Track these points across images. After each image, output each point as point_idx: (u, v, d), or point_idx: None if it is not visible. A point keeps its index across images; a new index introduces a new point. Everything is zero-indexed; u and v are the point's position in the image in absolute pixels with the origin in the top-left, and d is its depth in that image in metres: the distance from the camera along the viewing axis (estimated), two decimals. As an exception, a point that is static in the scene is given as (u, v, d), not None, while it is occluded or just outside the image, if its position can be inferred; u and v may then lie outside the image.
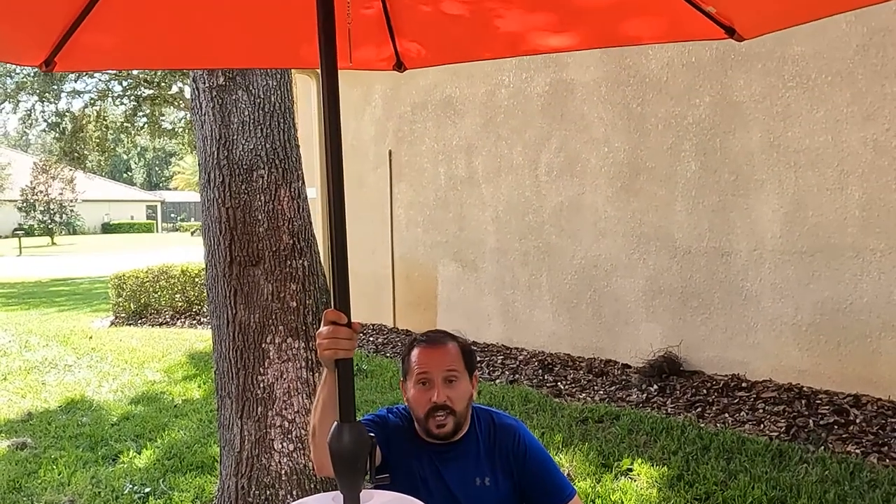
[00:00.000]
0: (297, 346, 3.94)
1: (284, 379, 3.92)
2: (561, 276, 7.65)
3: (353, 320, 1.86)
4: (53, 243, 45.16)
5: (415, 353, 2.23)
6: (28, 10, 2.27)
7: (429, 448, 2.21)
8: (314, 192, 9.94)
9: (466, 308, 8.51)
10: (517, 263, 8.06)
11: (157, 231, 60.81)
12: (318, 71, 1.91)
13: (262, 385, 3.93)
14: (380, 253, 9.52)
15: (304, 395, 3.93)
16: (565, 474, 2.28)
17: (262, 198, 3.97)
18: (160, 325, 11.57)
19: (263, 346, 3.94)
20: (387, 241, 9.47)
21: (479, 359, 7.78)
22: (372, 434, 1.87)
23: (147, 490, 4.91)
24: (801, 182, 5.90)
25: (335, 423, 1.84)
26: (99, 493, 4.92)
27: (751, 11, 2.43)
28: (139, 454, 5.66)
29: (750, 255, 6.21)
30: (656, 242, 6.84)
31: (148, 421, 6.44)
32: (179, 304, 12.09)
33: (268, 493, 3.92)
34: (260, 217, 3.96)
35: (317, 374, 4.02)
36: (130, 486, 4.98)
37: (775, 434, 5.18)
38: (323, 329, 1.86)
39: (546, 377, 7.02)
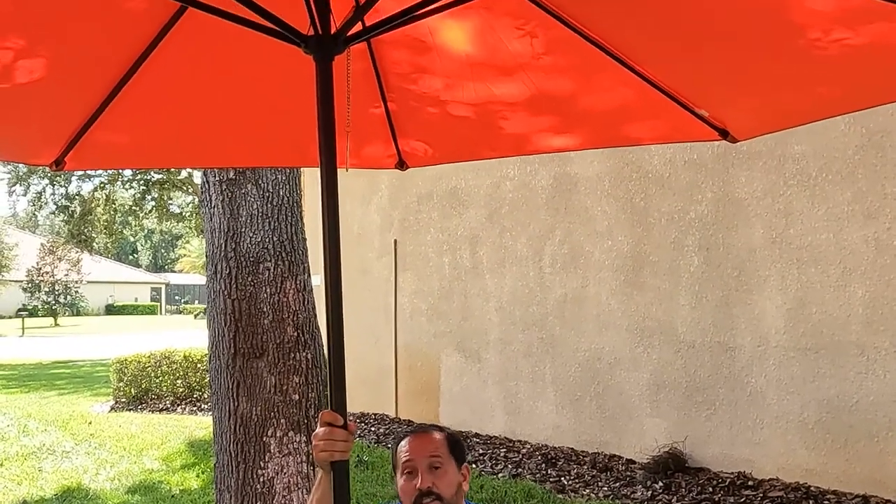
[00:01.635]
0: (298, 439, 3.92)
1: (285, 473, 3.88)
2: (564, 369, 7.62)
3: (349, 421, 1.87)
4: (56, 324, 45.12)
5: (402, 444, 2.24)
6: (40, 111, 2.34)
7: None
8: (318, 280, 9.99)
9: (469, 399, 8.44)
10: (520, 354, 8.04)
11: (161, 313, 60.78)
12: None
13: (261, 479, 3.89)
14: (383, 341, 9.51)
15: (304, 491, 3.89)
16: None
17: (268, 290, 4.01)
18: (161, 410, 11.48)
19: (265, 439, 3.92)
20: (390, 330, 9.46)
21: (481, 451, 7.68)
22: None
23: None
24: (803, 279, 5.92)
25: None
26: (91, 588, 4.81)
27: (743, 115, 2.51)
28: (134, 547, 5.56)
29: (754, 351, 6.19)
30: (660, 336, 6.83)
31: (145, 512, 6.35)
32: (181, 389, 12.01)
33: (265, 591, 3.84)
34: (265, 309, 3.99)
35: (317, 469, 3.98)
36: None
37: (783, 536, 5.07)
38: (319, 430, 1.88)
39: (549, 472, 6.91)
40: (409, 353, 9.30)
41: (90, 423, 10.28)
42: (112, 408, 11.99)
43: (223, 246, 4.05)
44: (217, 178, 4.13)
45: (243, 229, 4.05)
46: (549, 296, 7.78)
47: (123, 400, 12.12)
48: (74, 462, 8.19)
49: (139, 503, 6.64)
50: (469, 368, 8.58)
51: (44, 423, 10.42)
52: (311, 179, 9.73)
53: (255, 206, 4.09)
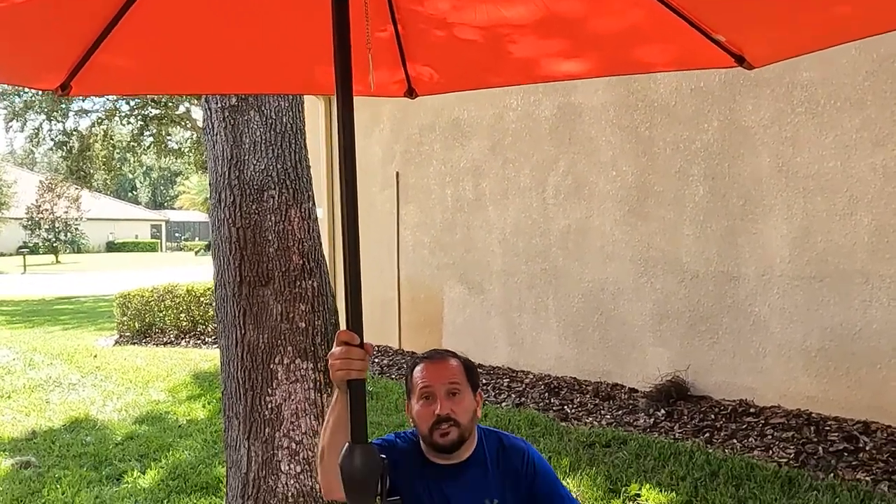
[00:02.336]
0: (305, 367, 3.92)
1: (292, 400, 3.90)
2: (568, 300, 7.63)
3: (364, 341, 1.86)
4: (58, 261, 45.23)
5: (417, 369, 2.23)
6: (45, 34, 2.27)
7: (436, 471, 2.20)
8: (321, 213, 9.96)
9: (472, 330, 8.48)
10: (524, 286, 8.05)
11: (162, 250, 60.89)
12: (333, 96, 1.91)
13: (269, 406, 3.91)
14: (386, 275, 9.52)
15: (312, 417, 3.91)
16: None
17: (273, 218, 3.97)
18: (165, 344, 11.55)
19: (272, 366, 3.93)
20: (393, 263, 9.46)
21: (484, 381, 7.74)
22: (384, 456, 1.86)
23: (152, 510, 4.89)
24: (809, 207, 5.89)
25: (346, 444, 1.83)
26: (103, 513, 4.89)
27: (760, 41, 2.43)
28: (143, 474, 5.63)
29: (758, 280, 6.19)
30: (664, 266, 6.83)
31: (152, 441, 6.41)
32: (184, 323, 12.07)
33: (274, 514, 3.89)
34: (270, 237, 3.96)
35: (325, 396, 4.00)
36: (137, 507, 4.96)
37: (784, 461, 5.13)
38: (335, 350, 1.86)
39: (552, 401, 6.98)
40: (412, 285, 9.32)
41: (95, 356, 10.35)
42: (116, 342, 12.08)
43: (226, 174, 4.00)
44: (219, 105, 4.06)
45: (246, 157, 4.00)
46: (552, 227, 7.76)
47: (128, 334, 12.20)
48: (81, 394, 8.27)
49: (147, 433, 6.71)
50: (472, 300, 8.61)
51: (49, 357, 10.50)
52: (310, 111, 9.62)
53: (258, 134, 4.03)
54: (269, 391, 3.92)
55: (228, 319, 4.01)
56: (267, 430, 3.91)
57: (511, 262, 8.18)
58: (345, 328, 1.89)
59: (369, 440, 2.28)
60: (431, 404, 2.16)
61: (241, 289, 3.94)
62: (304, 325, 3.96)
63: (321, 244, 4.19)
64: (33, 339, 12.51)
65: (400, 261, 9.43)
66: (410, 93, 2.87)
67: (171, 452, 6.08)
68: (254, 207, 3.96)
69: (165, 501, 5.04)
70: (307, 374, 3.92)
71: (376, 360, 9.14)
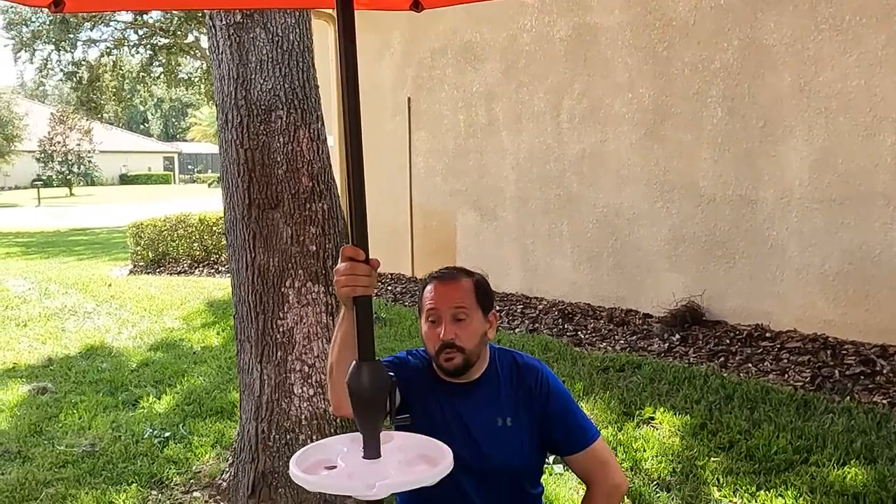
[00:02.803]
0: (316, 290, 3.88)
1: (304, 323, 3.86)
2: (582, 225, 7.55)
3: (371, 257, 1.79)
4: (72, 194, 45.35)
5: (427, 289, 2.16)
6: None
7: (448, 388, 2.15)
8: (332, 141, 9.84)
9: (485, 257, 8.43)
10: (537, 212, 7.96)
11: (175, 182, 60.90)
12: (335, 13, 1.81)
13: (281, 329, 3.88)
14: (398, 201, 9.44)
15: (324, 340, 3.88)
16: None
17: (281, 139, 3.88)
18: (178, 273, 11.58)
19: (283, 290, 3.88)
20: (405, 190, 9.38)
21: (498, 308, 7.69)
22: (392, 374, 1.81)
23: (167, 434, 4.91)
24: (831, 128, 5.74)
25: (354, 361, 1.78)
26: (119, 437, 4.92)
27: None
28: (159, 399, 5.66)
29: (777, 203, 6.08)
30: (680, 190, 6.71)
31: (167, 367, 6.45)
32: (197, 252, 12.09)
33: (288, 437, 3.89)
34: (279, 159, 3.87)
35: (336, 319, 3.97)
36: (150, 430, 4.98)
37: (800, 384, 5.10)
38: (340, 265, 1.79)
39: (566, 326, 6.96)
40: (425, 212, 9.24)
41: (110, 285, 10.40)
42: (131, 271, 12.12)
43: (233, 94, 3.90)
44: (223, 22, 3.93)
45: (253, 76, 3.88)
46: (567, 151, 7.63)
47: (141, 264, 12.23)
48: (96, 322, 8.31)
49: (162, 360, 6.74)
50: (485, 227, 8.53)
51: (64, 286, 10.56)
52: (318, 36, 9.42)
53: (264, 52, 3.90)
54: (281, 315, 3.88)
55: (238, 243, 3.95)
56: (279, 353, 3.89)
57: (525, 188, 8.08)
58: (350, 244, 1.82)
59: (379, 358, 2.24)
60: (437, 327, 2.09)
61: (251, 211, 3.87)
62: (314, 248, 3.90)
63: (331, 166, 4.10)
64: (48, 270, 12.58)
65: (412, 188, 9.34)
66: (416, 6, 2.74)
67: (185, 378, 6.11)
68: (261, 128, 3.86)
69: (181, 425, 5.07)
70: (318, 298, 3.88)
71: (389, 287, 9.13)
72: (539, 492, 2.24)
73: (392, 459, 1.78)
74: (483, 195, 8.52)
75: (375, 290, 1.82)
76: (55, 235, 20.43)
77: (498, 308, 7.69)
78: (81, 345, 7.36)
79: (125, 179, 58.28)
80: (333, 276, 1.81)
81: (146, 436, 4.90)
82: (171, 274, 11.51)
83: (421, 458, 1.86)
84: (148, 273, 11.77)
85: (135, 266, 12.31)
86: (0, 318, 8.62)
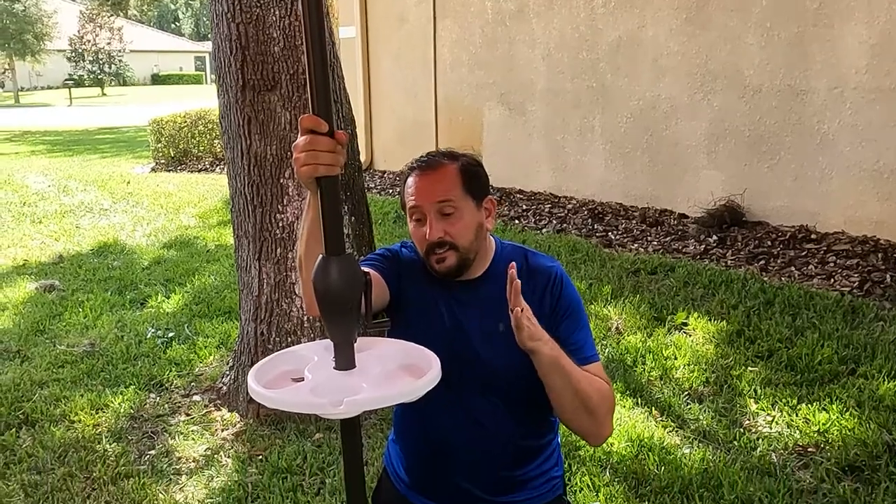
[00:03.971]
0: (318, 181, 3.53)
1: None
2: (616, 120, 7.08)
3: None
4: (104, 94, 45.12)
5: (408, 183, 1.80)
6: None
7: (446, 288, 1.82)
8: (353, 31, 9.34)
9: (513, 154, 8.01)
10: (568, 106, 7.49)
11: (206, 82, 60.31)
12: None
13: (280, 224, 3.57)
14: (422, 95, 8.98)
15: (327, 236, 3.56)
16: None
17: (277, 12, 3.48)
18: (200, 171, 11.32)
19: (282, 181, 3.55)
20: (430, 83, 8.90)
21: (524, 208, 7.36)
22: (367, 271, 1.47)
23: (171, 335, 4.69)
24: (894, 8, 5.17)
25: (320, 256, 1.44)
26: (122, 336, 4.71)
27: None
28: (167, 298, 5.44)
29: (829, 94, 5.57)
30: (723, 81, 6.20)
31: (179, 265, 6.22)
32: (218, 149, 11.79)
33: (289, 339, 3.62)
34: (275, 35, 3.49)
35: (343, 214, 3.64)
36: (154, 330, 4.76)
37: (847, 289, 4.72)
38: (299, 140, 1.41)
39: (596, 227, 6.59)
40: (450, 106, 8.79)
41: (129, 182, 10.17)
42: (153, 169, 11.88)
43: (223, -40, 3.49)
44: None
45: (245, -60, 3.46)
46: (601, 40, 7.10)
47: (163, 161, 11.98)
48: (112, 219, 8.10)
49: (174, 258, 6.51)
50: (513, 122, 8.08)
51: (83, 184, 10.35)
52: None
53: (257, -87, 3.47)
54: (280, 208, 3.56)
55: (232, 129, 3.61)
56: (279, 250, 3.59)
57: (555, 80, 7.58)
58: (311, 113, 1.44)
59: (376, 250, 1.90)
60: (423, 227, 1.75)
61: (245, 94, 3.51)
62: (315, 135, 3.53)
63: (333, 44, 3.70)
64: (70, 167, 12.38)
65: (437, 80, 8.86)
66: None
67: (196, 277, 5.88)
68: (255, 0, 3.46)
69: (186, 325, 4.85)
70: (320, 190, 3.53)
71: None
72: (547, 401, 1.93)
73: (368, 371, 1.46)
74: (512, 88, 8.04)
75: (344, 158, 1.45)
76: (83, 134, 20.23)
77: (524, 207, 7.37)
78: (94, 242, 7.15)
79: (157, 79, 57.79)
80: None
81: (149, 336, 4.68)
82: (191, 171, 11.24)
83: (404, 368, 1.55)
84: (169, 171, 11.51)
85: (156, 164, 12.06)
86: (16, 215, 8.44)
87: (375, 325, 1.60)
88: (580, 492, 2.93)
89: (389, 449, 2.00)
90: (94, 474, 3.21)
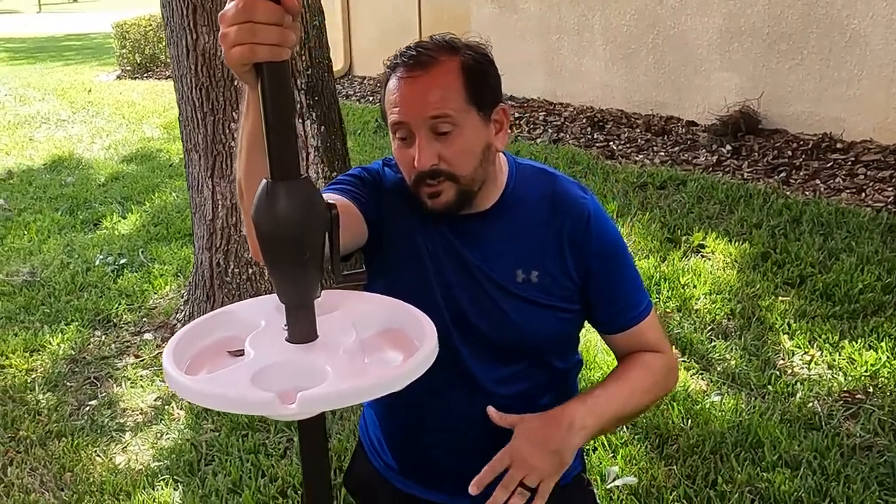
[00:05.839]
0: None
1: (265, 127, 2.98)
2: (617, 17, 6.44)
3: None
4: (75, 0, 43.41)
5: (391, 87, 1.26)
6: None
7: (445, 223, 1.30)
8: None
9: (504, 56, 7.28)
10: (565, 1, 6.84)
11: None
12: None
13: (237, 136, 3.00)
14: (405, -6, 8.28)
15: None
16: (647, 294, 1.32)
17: None
18: (167, 78, 10.57)
19: (237, 83, 2.97)
20: (413, -21, 8.19)
21: (517, 116, 6.77)
22: (333, 201, 0.95)
23: (123, 262, 4.17)
24: None
25: (263, 182, 0.91)
26: (69, 263, 4.19)
27: None
28: (123, 219, 4.92)
29: (860, -15, 4.97)
30: (740, -29, 5.57)
31: (138, 181, 5.68)
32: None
33: (249, 271, 3.11)
34: None
35: (310, 124, 3.08)
36: (102, 256, 4.23)
37: (881, 205, 4.23)
38: (227, 9, 0.85)
39: (596, 136, 6.04)
40: (435, 4, 8.08)
41: (90, 90, 9.49)
42: (118, 77, 11.13)
43: None
44: None
45: None
46: (602, -73, 6.41)
47: (129, 68, 11.23)
48: (69, 131, 7.48)
49: (134, 172, 5.95)
50: (504, 21, 7.41)
51: (42, 92, 9.66)
52: None
53: None
54: (235, 115, 3.00)
55: (175, 20, 3.01)
56: (235, 165, 3.03)
57: (551, -26, 6.90)
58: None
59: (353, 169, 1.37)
60: (410, 147, 1.23)
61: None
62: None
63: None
64: (31, 75, 11.64)
65: (421, -23, 8.14)
66: None
67: (156, 195, 5.35)
68: None
69: (141, 251, 4.32)
70: (282, 93, 2.96)
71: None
72: (572, 364, 1.44)
73: (336, 343, 0.98)
74: (502, -17, 7.35)
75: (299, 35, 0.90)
76: (48, 41, 19.22)
77: (517, 116, 6.78)
78: (48, 156, 6.57)
79: (130, -16, 55.74)
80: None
81: (97, 263, 4.15)
82: (159, 79, 10.50)
83: (386, 336, 1.07)
84: (135, 78, 10.77)
85: (122, 71, 11.30)
86: (-34, 127, 7.79)
87: (346, 277, 1.08)
88: (594, 452, 2.48)
89: (365, 416, 1.52)
90: (21, 433, 2.73)
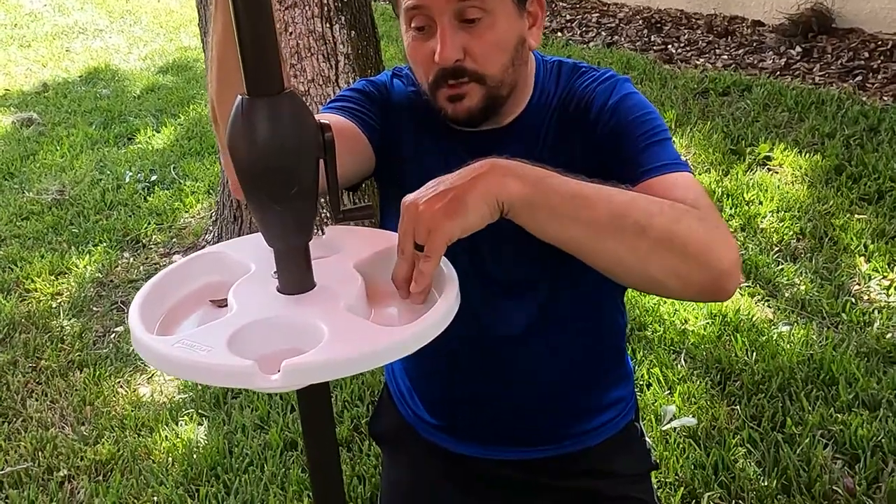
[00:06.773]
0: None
1: (291, 34, 2.73)
2: None
3: None
4: None
5: None
6: None
7: (463, 139, 1.09)
8: None
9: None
10: None
11: None
12: None
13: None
14: None
15: (321, 57, 2.76)
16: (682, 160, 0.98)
17: None
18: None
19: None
20: None
21: (568, 18, 6.39)
22: (326, 123, 0.76)
23: (154, 178, 4.00)
24: None
25: (238, 98, 0.69)
26: (99, 180, 4.05)
27: None
28: (157, 132, 4.74)
29: None
30: None
31: (174, 93, 5.49)
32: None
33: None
34: None
35: (339, 27, 2.82)
36: (133, 173, 4.07)
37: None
38: None
39: (653, 38, 5.66)
40: None
41: (129, -1, 9.23)
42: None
43: None
44: None
45: None
46: None
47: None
48: (106, 41, 7.27)
49: (170, 84, 5.75)
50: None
51: (81, 1, 9.42)
52: None
53: None
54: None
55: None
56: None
57: None
58: None
59: (354, 83, 1.16)
60: (429, 40, 0.99)
61: None
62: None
63: None
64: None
65: None
66: None
67: (191, 107, 5.16)
68: None
69: (173, 166, 4.15)
70: (307, -5, 2.71)
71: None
72: (619, 325, 1.22)
73: (334, 294, 0.81)
74: None
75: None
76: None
77: (567, 18, 6.38)
78: (84, 68, 6.39)
79: None
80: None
81: (128, 180, 4.00)
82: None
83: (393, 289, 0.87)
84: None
85: (162, -23, 10.99)
86: (3, 38, 7.63)
87: (347, 213, 0.87)
88: (648, 388, 2.28)
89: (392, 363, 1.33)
90: (42, 362, 2.62)
